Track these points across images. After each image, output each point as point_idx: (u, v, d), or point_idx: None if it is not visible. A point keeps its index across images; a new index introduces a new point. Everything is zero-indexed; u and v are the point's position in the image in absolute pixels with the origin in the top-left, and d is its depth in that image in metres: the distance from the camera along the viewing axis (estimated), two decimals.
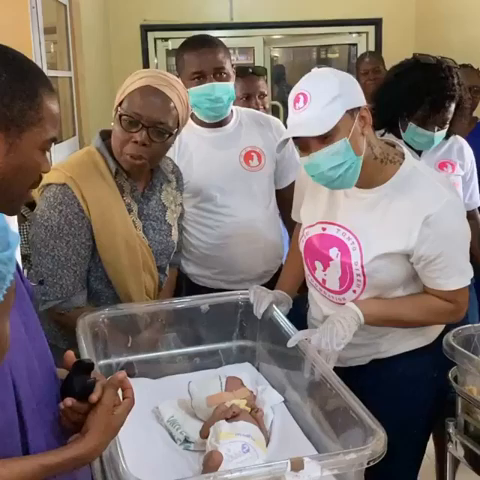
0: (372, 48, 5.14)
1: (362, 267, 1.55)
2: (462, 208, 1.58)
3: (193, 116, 2.14)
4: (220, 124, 2.13)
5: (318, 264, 1.65)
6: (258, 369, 1.75)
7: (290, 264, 1.86)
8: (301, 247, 1.71)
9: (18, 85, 0.99)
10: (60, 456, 0.94)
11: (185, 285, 2.26)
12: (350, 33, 5.43)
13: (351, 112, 1.46)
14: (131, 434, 1.39)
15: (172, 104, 1.63)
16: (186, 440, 1.46)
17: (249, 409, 1.49)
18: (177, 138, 2.10)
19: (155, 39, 5.09)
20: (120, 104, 1.64)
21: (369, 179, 1.54)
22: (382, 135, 2.08)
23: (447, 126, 2.05)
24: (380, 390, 1.66)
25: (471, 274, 1.58)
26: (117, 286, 1.71)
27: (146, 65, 4.99)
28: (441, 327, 1.70)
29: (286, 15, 5.09)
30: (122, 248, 1.67)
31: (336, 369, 1.55)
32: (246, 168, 2.11)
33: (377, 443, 1.16)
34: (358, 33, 5.37)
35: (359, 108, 1.48)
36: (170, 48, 5.12)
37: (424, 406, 1.67)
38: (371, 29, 5.27)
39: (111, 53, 4.79)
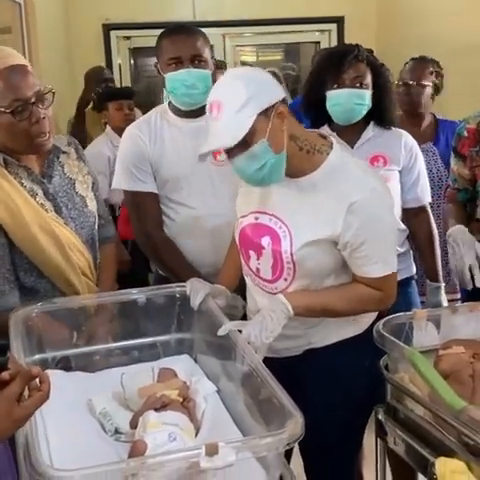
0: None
1: (291, 255, 1.57)
2: (388, 197, 1.61)
3: (170, 104, 2.12)
4: (195, 115, 2.06)
5: (252, 253, 1.67)
6: (196, 360, 1.76)
7: (230, 257, 1.87)
8: (236, 237, 1.74)
9: None
10: None
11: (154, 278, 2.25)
12: (313, 31, 5.47)
13: (265, 112, 1.46)
14: (63, 426, 1.42)
15: (29, 67, 1.66)
16: (117, 431, 1.46)
17: (181, 399, 1.50)
18: (150, 124, 2.11)
19: (117, 38, 5.08)
20: None
21: (297, 169, 1.56)
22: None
23: (366, 87, 2.08)
24: (315, 379, 1.69)
25: (395, 264, 1.60)
26: (51, 276, 1.72)
27: (109, 64, 4.99)
28: (373, 316, 1.72)
29: (249, 13, 5.12)
30: (39, 236, 1.67)
31: (272, 360, 1.58)
32: (213, 162, 2.06)
33: (294, 426, 1.18)
34: (321, 31, 5.42)
35: (274, 105, 1.47)
36: (132, 47, 5.12)
37: (358, 394, 1.69)
38: (334, 27, 5.33)
39: (73, 52, 4.78)
